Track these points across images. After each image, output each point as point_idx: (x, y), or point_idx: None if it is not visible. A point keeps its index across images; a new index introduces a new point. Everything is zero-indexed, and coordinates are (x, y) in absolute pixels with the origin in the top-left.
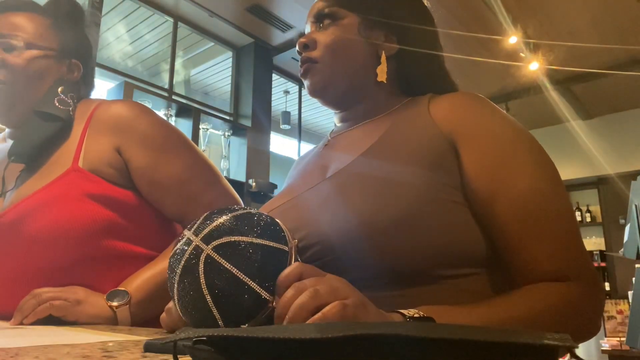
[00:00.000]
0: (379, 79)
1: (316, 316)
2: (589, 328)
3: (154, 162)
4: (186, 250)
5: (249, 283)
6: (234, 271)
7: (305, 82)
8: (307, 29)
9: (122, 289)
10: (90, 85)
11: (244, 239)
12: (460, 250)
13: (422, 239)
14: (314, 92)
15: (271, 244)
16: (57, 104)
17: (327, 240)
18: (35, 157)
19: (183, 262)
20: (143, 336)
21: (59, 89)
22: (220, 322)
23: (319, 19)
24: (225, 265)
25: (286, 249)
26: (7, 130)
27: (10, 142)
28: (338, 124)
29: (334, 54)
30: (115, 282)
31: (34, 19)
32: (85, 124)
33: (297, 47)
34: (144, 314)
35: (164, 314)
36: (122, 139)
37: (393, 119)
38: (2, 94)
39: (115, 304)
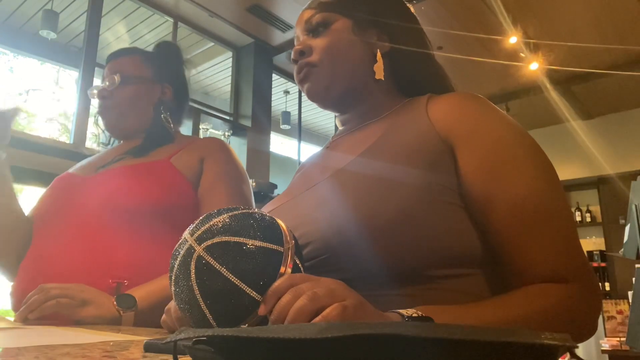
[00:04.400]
0: (377, 76)
1: (317, 319)
2: (585, 329)
3: (214, 182)
4: (182, 250)
5: (239, 284)
6: (223, 272)
7: (305, 87)
8: (296, 40)
9: (131, 294)
10: (183, 107)
11: (235, 239)
12: (456, 251)
13: (417, 239)
14: (315, 96)
15: (264, 244)
16: (164, 123)
17: (323, 238)
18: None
19: (178, 263)
20: (143, 336)
21: (163, 114)
22: (213, 323)
23: (309, 27)
24: (215, 266)
25: (281, 249)
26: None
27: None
28: (340, 127)
29: (332, 56)
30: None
31: (133, 59)
32: (185, 143)
33: (292, 56)
34: (145, 322)
35: (164, 315)
36: (206, 155)
37: (392, 120)
38: (111, 117)
39: (122, 308)
